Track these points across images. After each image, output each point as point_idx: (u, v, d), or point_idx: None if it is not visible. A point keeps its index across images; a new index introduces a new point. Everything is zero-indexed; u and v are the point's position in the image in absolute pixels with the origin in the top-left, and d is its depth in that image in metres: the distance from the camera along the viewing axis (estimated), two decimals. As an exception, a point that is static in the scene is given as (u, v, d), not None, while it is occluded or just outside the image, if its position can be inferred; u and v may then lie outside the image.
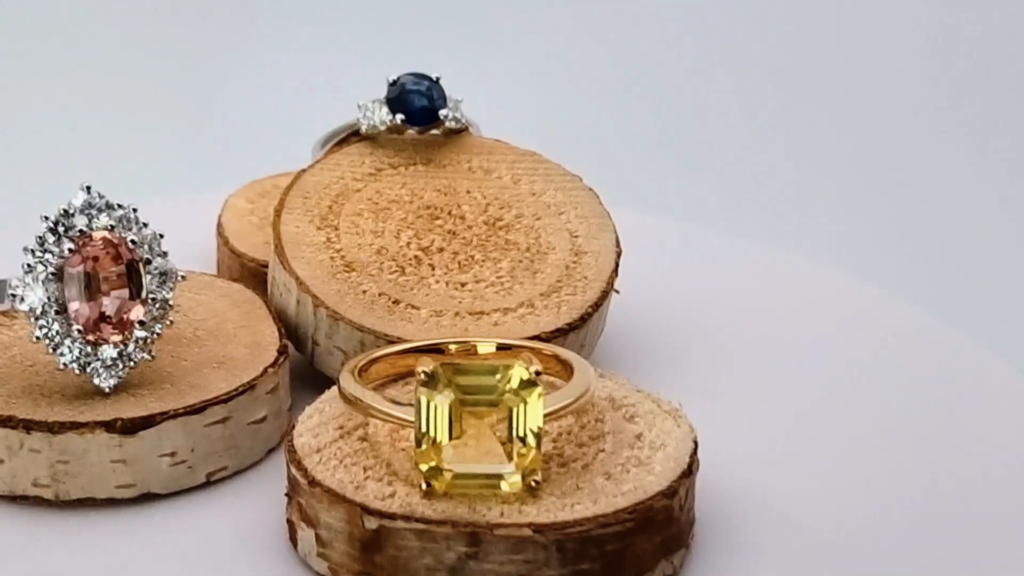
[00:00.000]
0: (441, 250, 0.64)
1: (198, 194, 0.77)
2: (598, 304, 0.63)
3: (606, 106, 1.14)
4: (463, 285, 0.63)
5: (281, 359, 0.59)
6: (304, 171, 0.66)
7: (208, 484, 0.57)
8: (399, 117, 0.66)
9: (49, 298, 0.56)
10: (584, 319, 0.62)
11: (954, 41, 1.18)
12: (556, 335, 0.61)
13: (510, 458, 0.51)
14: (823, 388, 0.64)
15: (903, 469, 0.59)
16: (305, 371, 0.62)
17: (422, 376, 0.51)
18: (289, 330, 0.62)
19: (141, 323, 0.57)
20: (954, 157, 1.15)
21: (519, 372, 0.51)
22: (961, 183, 1.14)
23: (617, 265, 0.64)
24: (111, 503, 0.56)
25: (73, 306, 0.56)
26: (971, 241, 1.11)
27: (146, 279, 0.57)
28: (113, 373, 0.56)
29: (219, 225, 0.71)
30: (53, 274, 0.56)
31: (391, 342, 0.59)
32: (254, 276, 0.67)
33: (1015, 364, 0.66)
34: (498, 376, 0.51)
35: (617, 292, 0.65)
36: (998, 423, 0.62)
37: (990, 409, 0.63)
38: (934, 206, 1.13)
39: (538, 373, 0.51)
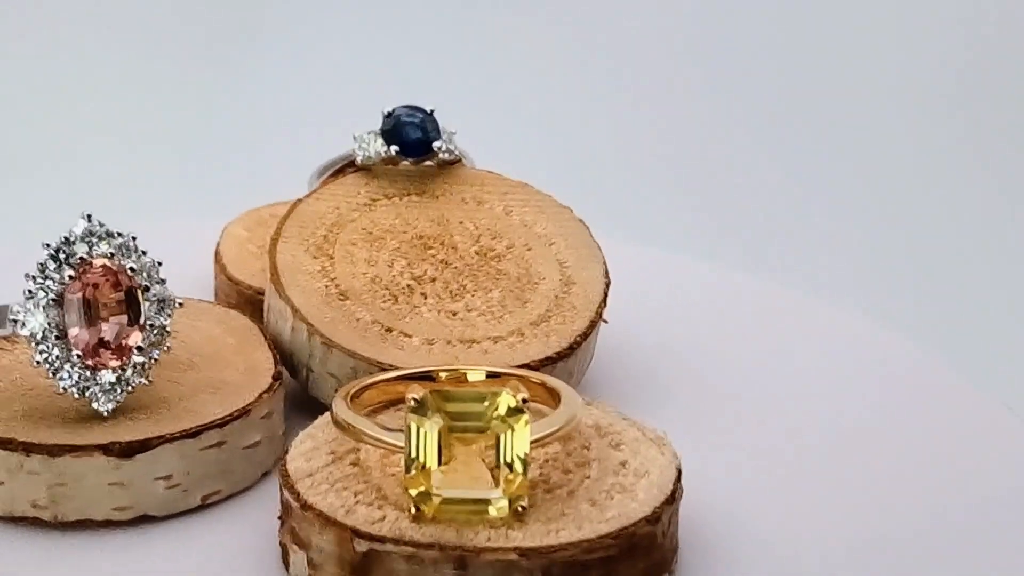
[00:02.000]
0: (433, 279, 0.65)
1: (196, 222, 0.78)
2: (586, 333, 0.64)
3: (595, 136, 1.16)
4: (454, 314, 0.64)
5: (276, 385, 0.61)
6: (300, 201, 0.68)
7: (203, 507, 0.58)
8: (394, 149, 0.68)
9: (50, 323, 0.57)
10: (573, 348, 0.63)
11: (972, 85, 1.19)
12: (545, 363, 0.62)
13: (497, 484, 0.52)
14: (806, 418, 0.65)
15: (883, 500, 0.60)
16: (299, 397, 0.63)
17: (412, 403, 0.52)
18: (284, 356, 0.63)
19: (139, 349, 0.58)
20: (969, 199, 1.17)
21: (506, 399, 0.52)
22: (974, 224, 1.16)
23: (606, 295, 0.66)
24: (108, 525, 0.57)
25: (73, 332, 0.57)
26: (979, 281, 1.13)
27: (144, 306, 0.58)
28: (111, 397, 0.58)
29: (217, 253, 0.72)
30: (54, 300, 0.57)
31: (383, 369, 0.61)
32: (251, 303, 0.69)
33: (1011, 406, 0.67)
34: (486, 403, 0.53)
35: (606, 322, 0.66)
36: (983, 460, 0.63)
37: (976, 446, 0.64)
38: (933, 238, 1.14)
39: (525, 400, 0.52)
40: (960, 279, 1.12)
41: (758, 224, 1.12)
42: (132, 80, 1.15)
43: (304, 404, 0.63)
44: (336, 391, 0.58)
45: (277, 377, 0.61)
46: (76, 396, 0.57)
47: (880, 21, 1.20)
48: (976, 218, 1.16)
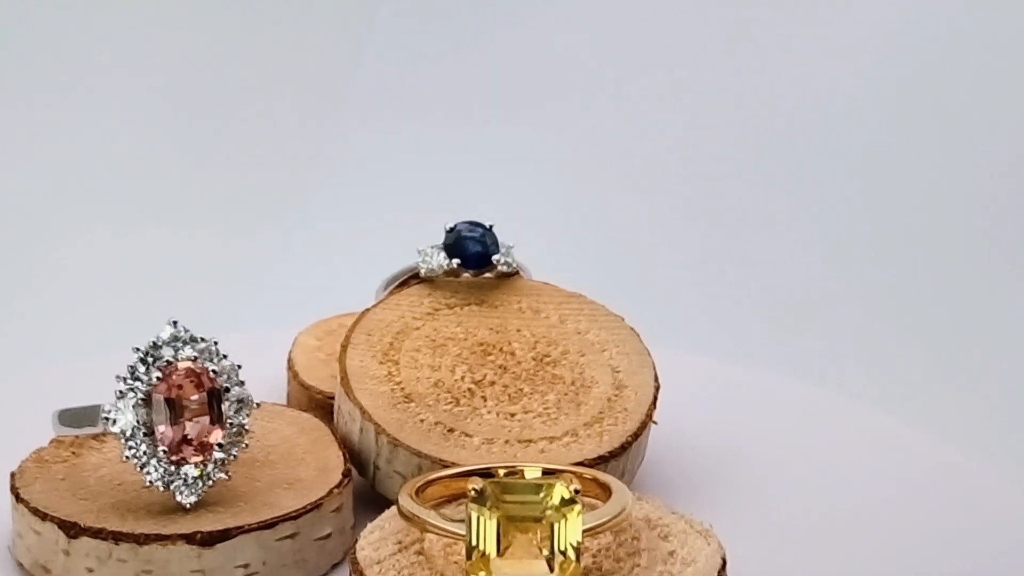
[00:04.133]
0: (493, 383, 0.69)
1: (268, 332, 0.82)
2: (637, 434, 0.68)
3: (645, 250, 1.20)
4: (512, 415, 0.68)
5: (345, 481, 0.65)
6: (368, 310, 0.72)
7: (278, 594, 0.62)
8: (455, 261, 0.72)
9: (138, 421, 0.62)
10: (624, 447, 0.67)
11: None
12: (599, 462, 0.66)
13: (552, 570, 0.56)
14: (843, 515, 0.69)
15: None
16: (367, 494, 0.67)
17: (472, 493, 0.56)
18: (353, 455, 0.67)
19: (220, 446, 0.62)
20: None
21: (560, 491, 0.56)
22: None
23: (656, 398, 0.70)
24: (190, 610, 0.61)
25: (159, 429, 0.62)
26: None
27: (225, 406, 0.63)
28: (193, 491, 0.62)
29: (289, 360, 0.76)
30: (142, 400, 0.62)
31: (446, 466, 0.65)
32: (321, 407, 0.73)
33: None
34: (541, 494, 0.57)
35: (655, 423, 0.70)
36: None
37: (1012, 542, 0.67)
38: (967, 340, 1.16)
39: (577, 491, 0.56)
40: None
41: (801, 329, 1.15)
42: (203, 199, 1.21)
43: (371, 500, 0.67)
44: (402, 487, 0.62)
45: (347, 474, 0.65)
46: (161, 489, 0.62)
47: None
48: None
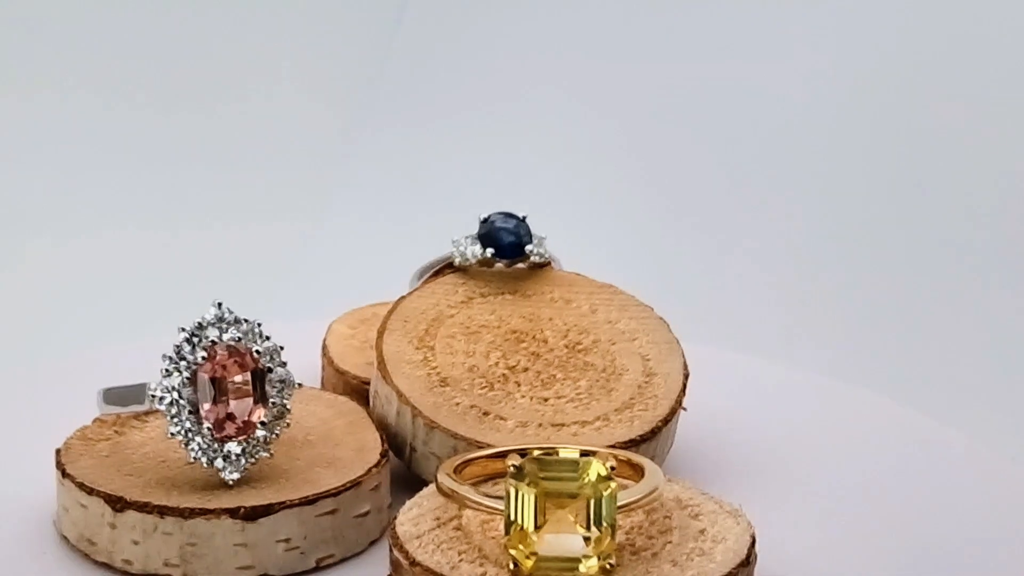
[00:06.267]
0: (526, 369, 0.71)
1: (302, 321, 0.84)
2: (667, 419, 0.70)
3: (674, 242, 1.21)
4: (545, 400, 0.70)
5: (383, 461, 0.66)
6: (403, 298, 0.74)
7: (317, 569, 0.64)
8: (489, 251, 0.74)
9: (184, 399, 0.63)
10: (654, 432, 0.69)
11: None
12: (629, 446, 0.68)
13: (588, 545, 0.58)
14: (866, 495, 0.70)
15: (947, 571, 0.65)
16: (403, 475, 0.69)
17: (512, 469, 0.58)
18: (389, 437, 0.69)
19: (262, 424, 0.64)
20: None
21: (597, 468, 0.58)
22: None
23: (685, 386, 0.71)
24: (233, 583, 0.63)
25: (204, 407, 0.63)
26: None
27: (267, 386, 0.64)
28: (237, 467, 0.63)
29: (324, 347, 0.78)
30: (188, 379, 0.63)
31: (481, 448, 0.66)
32: (356, 392, 0.74)
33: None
34: (578, 471, 0.58)
35: (685, 409, 0.71)
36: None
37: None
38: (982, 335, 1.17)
39: (612, 468, 0.58)
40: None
41: (823, 324, 1.16)
42: (240, 191, 1.22)
43: (407, 482, 0.68)
44: (438, 467, 0.64)
45: (384, 454, 0.67)
46: (205, 466, 0.63)
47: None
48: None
